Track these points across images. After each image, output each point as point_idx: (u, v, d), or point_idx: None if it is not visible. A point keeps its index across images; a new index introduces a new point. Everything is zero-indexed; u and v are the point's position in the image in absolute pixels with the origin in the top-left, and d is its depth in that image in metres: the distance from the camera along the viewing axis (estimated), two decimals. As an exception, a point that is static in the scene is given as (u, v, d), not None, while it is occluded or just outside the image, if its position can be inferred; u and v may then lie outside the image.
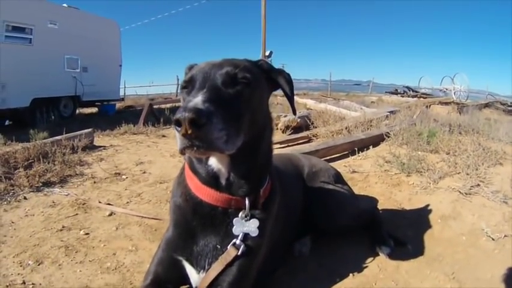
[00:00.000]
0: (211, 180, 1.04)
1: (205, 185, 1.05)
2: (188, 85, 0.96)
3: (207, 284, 1.03)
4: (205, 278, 1.04)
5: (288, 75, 1.13)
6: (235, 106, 0.88)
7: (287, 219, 1.45)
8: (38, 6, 7.55)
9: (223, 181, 1.04)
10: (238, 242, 1.05)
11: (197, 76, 0.94)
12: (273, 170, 1.21)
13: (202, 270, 1.06)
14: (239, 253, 1.04)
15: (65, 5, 8.86)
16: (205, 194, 1.05)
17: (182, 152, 0.82)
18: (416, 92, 15.34)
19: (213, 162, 1.02)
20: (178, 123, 0.77)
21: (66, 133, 4.14)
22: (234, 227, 1.05)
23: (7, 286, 1.39)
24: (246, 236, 1.06)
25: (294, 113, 1.22)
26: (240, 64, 0.98)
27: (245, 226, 1.05)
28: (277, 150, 3.74)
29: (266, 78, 1.08)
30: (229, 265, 1.03)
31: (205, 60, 1.04)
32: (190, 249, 1.08)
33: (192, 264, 1.09)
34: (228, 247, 1.05)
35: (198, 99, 0.80)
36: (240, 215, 1.05)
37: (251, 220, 1.06)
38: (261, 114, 1.03)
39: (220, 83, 0.91)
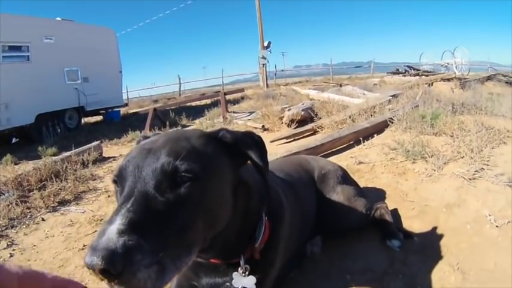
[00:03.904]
0: None
1: None
2: (118, 182, 0.78)
3: None
4: None
5: (258, 137, 0.96)
6: (177, 216, 0.70)
7: (303, 226, 1.49)
8: (31, 23, 7.63)
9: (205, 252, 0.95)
10: None
11: (127, 170, 0.76)
12: (273, 202, 1.14)
13: None
14: None
15: (58, 18, 8.92)
16: None
17: None
18: (418, 70, 15.14)
19: None
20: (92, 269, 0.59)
21: (74, 145, 4.25)
22: (234, 280, 1.03)
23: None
24: None
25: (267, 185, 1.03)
26: (183, 150, 0.77)
27: (243, 280, 1.03)
28: (283, 146, 3.80)
29: (229, 152, 0.90)
30: None
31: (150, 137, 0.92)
32: (202, 285, 1.10)
33: None
34: None
35: (112, 230, 0.61)
36: (239, 269, 1.03)
37: (249, 276, 1.03)
38: (222, 207, 0.86)
39: (153, 187, 0.71)
